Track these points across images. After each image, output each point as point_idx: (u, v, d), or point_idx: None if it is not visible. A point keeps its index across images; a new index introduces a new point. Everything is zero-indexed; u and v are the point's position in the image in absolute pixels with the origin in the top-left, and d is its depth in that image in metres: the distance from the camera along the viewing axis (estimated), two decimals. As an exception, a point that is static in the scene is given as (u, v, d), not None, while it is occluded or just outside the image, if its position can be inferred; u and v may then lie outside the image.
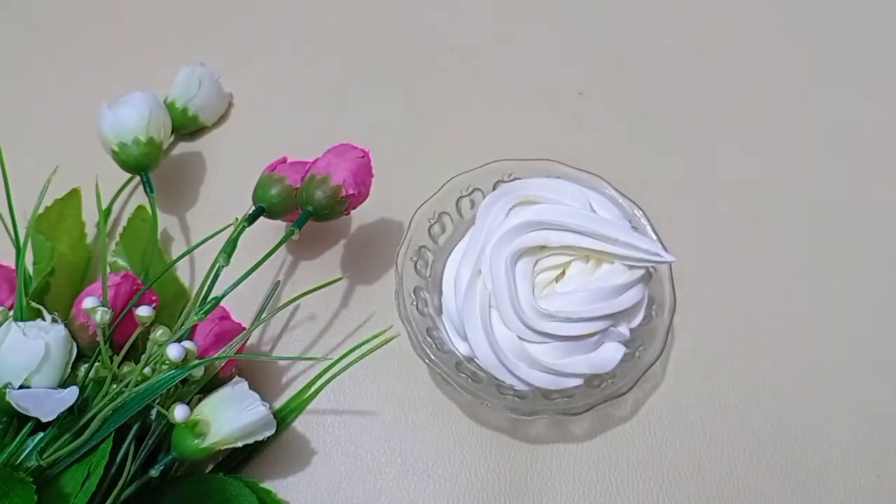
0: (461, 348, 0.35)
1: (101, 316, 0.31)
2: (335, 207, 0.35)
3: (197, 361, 0.31)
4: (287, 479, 0.36)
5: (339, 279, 0.39)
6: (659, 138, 0.47)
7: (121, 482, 0.31)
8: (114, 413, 0.30)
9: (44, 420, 0.29)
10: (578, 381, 0.34)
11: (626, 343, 0.34)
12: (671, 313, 0.35)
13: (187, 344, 0.31)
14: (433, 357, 0.34)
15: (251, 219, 0.35)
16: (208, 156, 0.46)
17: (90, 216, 0.40)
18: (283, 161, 0.37)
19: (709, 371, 0.39)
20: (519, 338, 0.33)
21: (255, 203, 0.36)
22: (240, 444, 0.31)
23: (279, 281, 0.41)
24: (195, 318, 0.32)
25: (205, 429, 0.31)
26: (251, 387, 0.32)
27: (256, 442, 0.32)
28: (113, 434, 0.30)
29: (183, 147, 0.47)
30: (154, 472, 0.31)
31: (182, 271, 0.41)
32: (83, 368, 0.32)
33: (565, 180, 0.35)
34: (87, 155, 0.43)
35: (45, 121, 0.48)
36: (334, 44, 0.52)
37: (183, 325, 0.32)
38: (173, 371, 0.30)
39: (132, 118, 0.38)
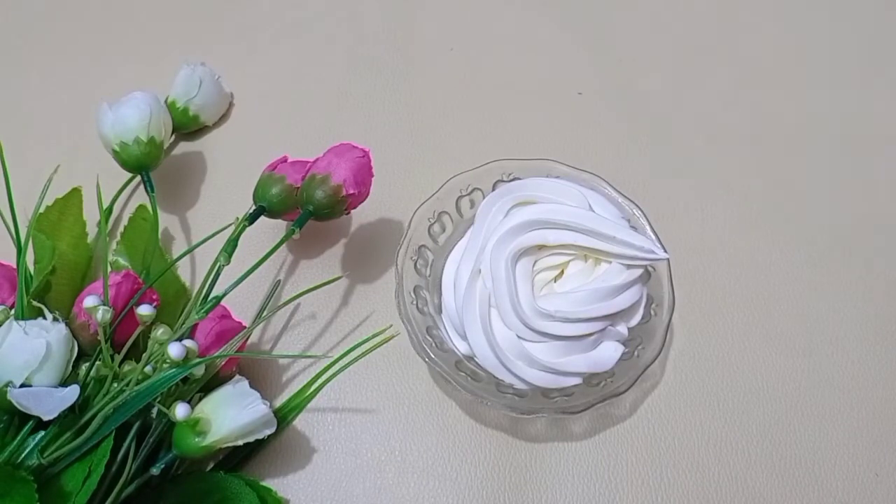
0: (461, 347, 0.35)
1: (103, 315, 0.31)
2: (335, 207, 0.35)
3: (198, 360, 0.31)
4: (287, 477, 0.36)
5: (340, 278, 0.40)
6: (658, 138, 0.48)
7: (122, 480, 0.31)
8: (115, 411, 0.30)
9: (45, 419, 0.29)
10: (577, 380, 0.34)
11: (624, 342, 0.34)
12: (670, 312, 0.35)
13: (188, 342, 0.31)
14: (433, 356, 0.34)
15: (252, 218, 0.35)
16: (209, 155, 0.46)
17: (91, 215, 0.40)
18: (284, 160, 0.37)
19: (707, 370, 0.39)
20: (518, 337, 0.33)
21: (256, 202, 0.36)
22: (240, 443, 0.31)
23: (280, 280, 0.41)
24: (196, 316, 0.32)
25: (205, 427, 0.31)
26: (252, 385, 0.32)
27: (257, 440, 0.32)
28: (114, 432, 0.30)
29: (183, 147, 0.47)
30: (155, 471, 0.31)
31: (183, 270, 0.41)
32: (84, 367, 0.32)
33: (564, 180, 0.35)
34: (87, 154, 0.43)
35: (46, 120, 0.48)
36: (334, 44, 0.52)
37: (184, 323, 0.32)
38: (174, 370, 0.30)
39: (133, 118, 0.38)
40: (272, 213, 0.36)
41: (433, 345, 0.34)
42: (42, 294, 0.36)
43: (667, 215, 0.43)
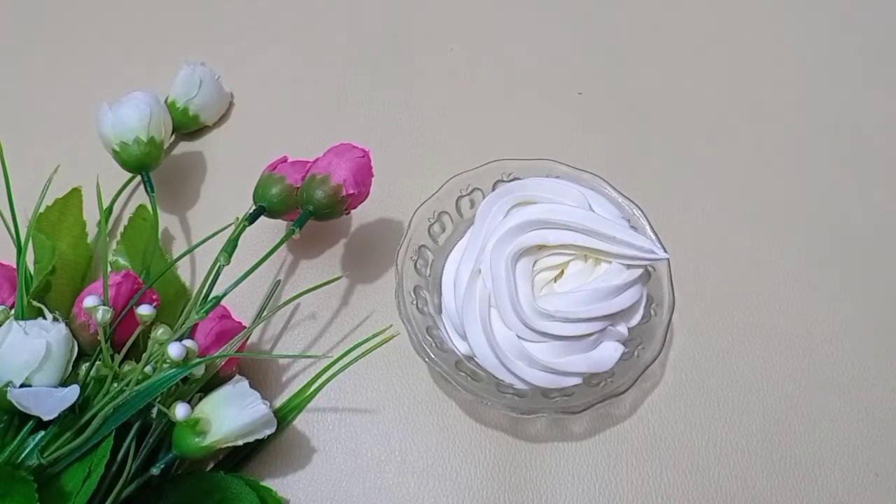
0: (461, 347, 0.35)
1: (103, 315, 0.31)
2: (335, 207, 0.35)
3: (198, 360, 0.31)
4: (287, 477, 0.36)
5: (340, 278, 0.40)
6: (658, 138, 0.48)
7: (122, 480, 0.31)
8: (115, 412, 0.30)
9: (45, 419, 0.29)
10: (577, 380, 0.34)
11: (624, 342, 0.34)
12: (670, 312, 0.35)
13: (188, 342, 0.31)
14: (433, 356, 0.34)
15: (252, 218, 0.35)
16: (209, 155, 0.46)
17: (91, 215, 0.40)
18: (284, 160, 0.37)
19: (707, 370, 0.39)
20: (518, 337, 0.33)
21: (256, 202, 0.36)
22: (240, 443, 0.31)
23: (279, 280, 0.41)
24: (196, 316, 0.32)
25: (205, 427, 0.31)
26: (252, 385, 0.32)
27: (257, 440, 0.32)
28: (114, 432, 0.30)
29: (183, 147, 0.47)
30: (155, 471, 0.31)
31: (183, 270, 0.41)
32: (84, 367, 0.32)
33: (564, 180, 0.35)
34: (88, 154, 0.43)
35: (46, 120, 0.48)
36: (334, 44, 0.52)
37: (184, 323, 0.32)
38: (174, 370, 0.30)
39: (133, 118, 0.38)
40: (272, 213, 0.36)
41: (433, 345, 0.34)
42: (42, 294, 0.36)
43: (667, 215, 0.43)
